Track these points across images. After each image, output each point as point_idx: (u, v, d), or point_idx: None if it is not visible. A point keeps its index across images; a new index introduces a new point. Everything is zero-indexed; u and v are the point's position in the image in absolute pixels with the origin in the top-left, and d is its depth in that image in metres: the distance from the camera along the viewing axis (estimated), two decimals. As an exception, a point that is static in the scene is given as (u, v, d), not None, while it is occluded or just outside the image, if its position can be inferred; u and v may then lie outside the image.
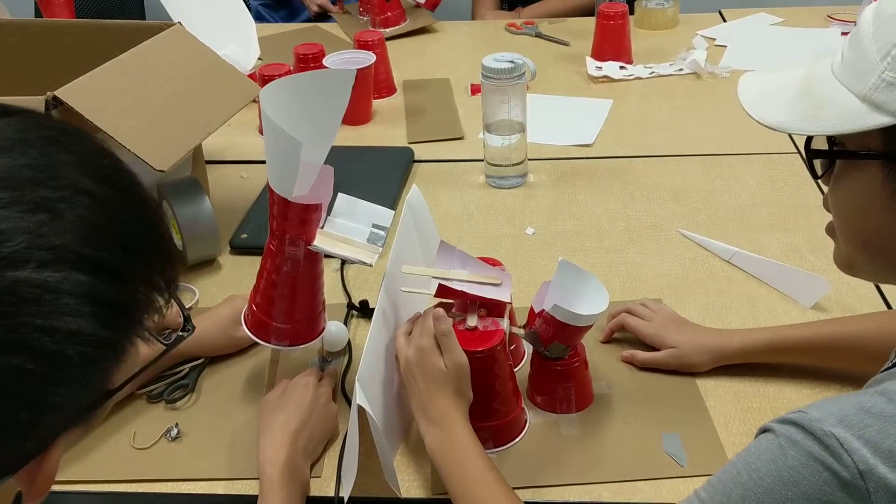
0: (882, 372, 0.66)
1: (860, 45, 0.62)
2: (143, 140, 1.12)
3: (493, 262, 1.02)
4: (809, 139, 0.67)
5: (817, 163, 0.68)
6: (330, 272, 1.26)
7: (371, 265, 0.95)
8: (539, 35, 2.14)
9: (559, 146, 1.60)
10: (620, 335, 1.10)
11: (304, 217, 0.91)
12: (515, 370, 1.05)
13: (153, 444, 0.98)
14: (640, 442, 0.94)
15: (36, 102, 1.04)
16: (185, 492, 0.93)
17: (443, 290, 0.92)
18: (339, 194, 0.99)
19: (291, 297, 0.97)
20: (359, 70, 1.66)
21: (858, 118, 0.62)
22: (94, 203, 0.50)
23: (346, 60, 1.70)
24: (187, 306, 1.20)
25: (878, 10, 0.62)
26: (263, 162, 1.57)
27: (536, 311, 0.97)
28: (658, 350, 1.04)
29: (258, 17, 2.62)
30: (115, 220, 0.51)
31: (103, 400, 0.53)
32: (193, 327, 0.61)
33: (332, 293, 1.22)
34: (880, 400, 0.59)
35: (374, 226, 0.98)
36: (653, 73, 1.87)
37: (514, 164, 1.46)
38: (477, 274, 0.96)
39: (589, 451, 0.94)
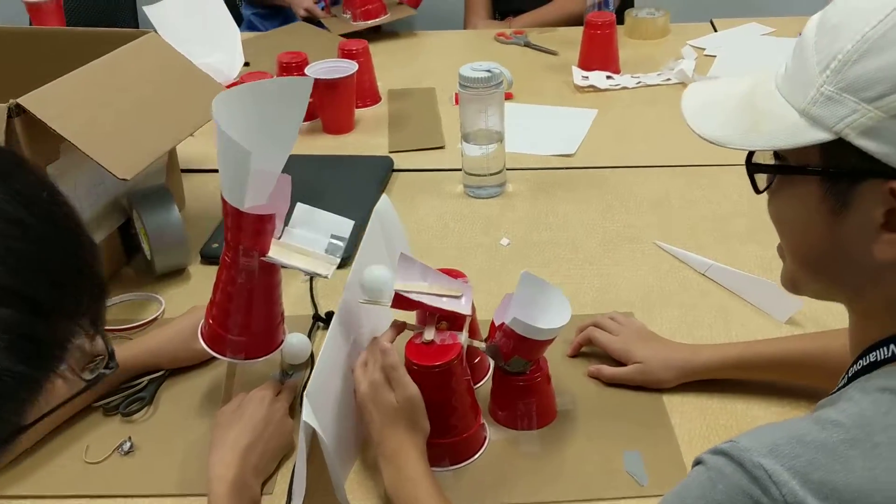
0: (831, 394, 0.64)
1: (802, 56, 0.60)
2: (108, 149, 1.10)
3: (455, 274, 1.00)
4: (751, 153, 0.65)
5: (759, 177, 0.66)
6: (299, 283, 1.24)
7: (327, 277, 0.93)
8: (528, 44, 2.12)
9: (540, 156, 1.58)
10: (588, 349, 1.07)
11: (258, 228, 0.90)
12: (479, 385, 1.03)
13: (105, 459, 0.96)
14: (602, 460, 0.92)
15: (-3, 110, 1.03)
16: (134, 508, 0.91)
17: (400, 301, 0.90)
18: (298, 204, 0.97)
19: (247, 310, 0.95)
20: (341, 79, 1.66)
21: (796, 133, 0.59)
22: (27, 235, 0.50)
23: (328, 69, 1.69)
24: (152, 316, 1.20)
25: (821, 19, 0.60)
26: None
27: (497, 324, 0.95)
28: (625, 365, 1.02)
29: (251, 27, 2.61)
30: (46, 254, 0.51)
31: (14, 436, 0.51)
32: (117, 365, 0.60)
33: (300, 304, 1.21)
34: (814, 428, 0.57)
35: (333, 237, 0.96)
36: (640, 82, 1.85)
37: (491, 174, 1.44)
38: (437, 286, 0.94)
39: (548, 469, 0.91)
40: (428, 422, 0.87)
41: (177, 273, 1.28)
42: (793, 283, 0.70)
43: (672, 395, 1.00)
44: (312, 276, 1.25)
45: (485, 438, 0.95)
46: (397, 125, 1.73)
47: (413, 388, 0.86)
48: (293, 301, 1.22)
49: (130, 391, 1.04)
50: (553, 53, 2.06)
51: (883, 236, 0.58)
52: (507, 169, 1.48)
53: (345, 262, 1.01)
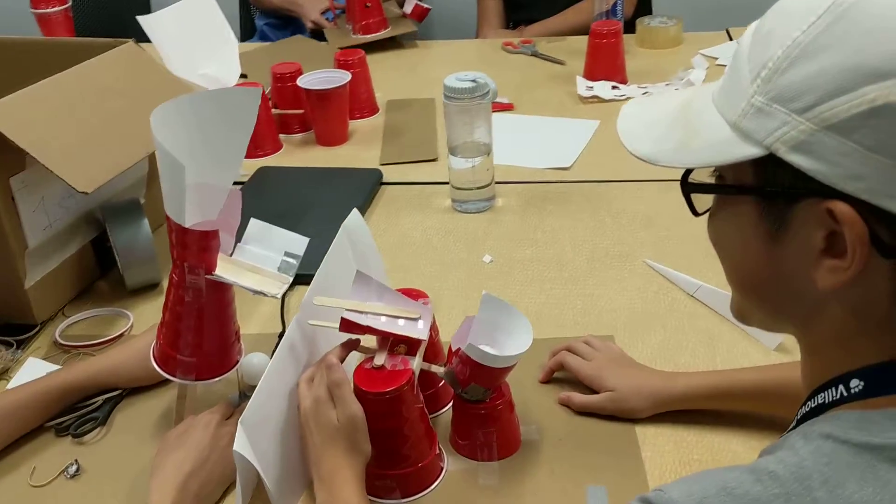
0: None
1: (736, 65, 0.55)
2: (70, 161, 1.08)
3: (416, 295, 0.95)
4: (688, 172, 0.60)
5: (699, 197, 0.61)
6: (269, 299, 1.20)
7: (276, 297, 0.89)
8: (535, 54, 2.07)
9: (534, 169, 1.52)
10: (561, 374, 1.02)
11: (202, 244, 0.86)
12: (441, 412, 0.98)
13: (50, 482, 0.93)
14: (563, 496, 0.86)
15: (-46, 121, 1.01)
16: (73, 535, 0.87)
17: (347, 325, 0.86)
18: (252, 219, 0.93)
19: (197, 329, 0.91)
20: (334, 89, 1.63)
21: (726, 149, 0.54)
22: None
23: (321, 79, 1.66)
24: (118, 332, 1.17)
25: (758, 26, 0.54)
26: (237, 183, 1.54)
27: (454, 348, 0.90)
28: (597, 392, 0.96)
29: (263, 37, 2.60)
30: None
31: None
32: None
33: (270, 323, 1.17)
34: (748, 479, 0.51)
35: (287, 254, 0.92)
36: (646, 93, 1.79)
37: (478, 188, 1.39)
38: (392, 307, 0.90)
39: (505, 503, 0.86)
40: (370, 445, 0.82)
41: (150, 288, 1.25)
42: (739, 313, 0.64)
43: (646, 425, 0.94)
44: (288, 292, 1.22)
45: (441, 469, 0.90)
46: (392, 137, 1.69)
47: (356, 408, 0.81)
48: (265, 319, 1.18)
49: (84, 411, 1.01)
50: (560, 63, 2.01)
51: (824, 263, 0.52)
52: (498, 182, 1.43)
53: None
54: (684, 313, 1.12)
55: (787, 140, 0.50)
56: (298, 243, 0.93)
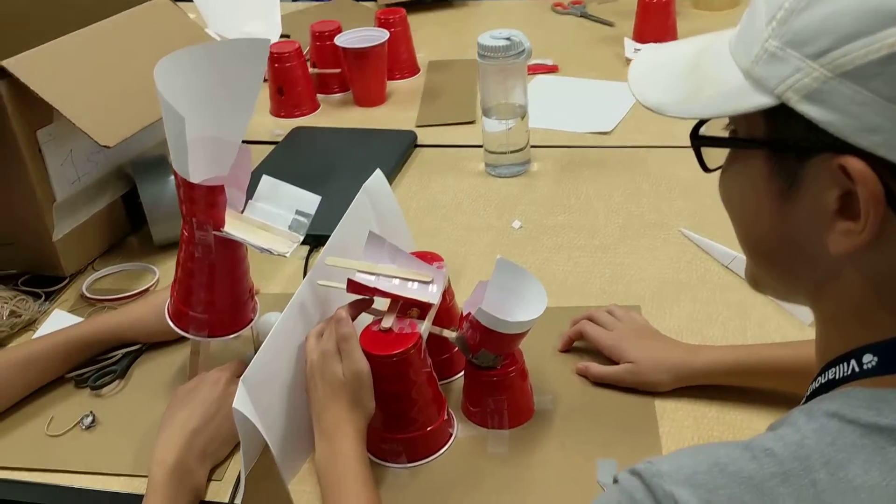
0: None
1: (754, 7, 0.50)
2: (95, 115, 1.08)
3: (431, 258, 0.93)
4: (699, 124, 0.55)
5: (709, 152, 0.56)
6: (296, 259, 1.19)
7: (285, 255, 0.87)
8: (584, 15, 2.01)
9: (573, 133, 1.47)
10: (581, 344, 0.98)
11: (210, 200, 0.85)
12: (455, 378, 0.96)
13: (65, 432, 0.94)
14: (573, 467, 0.83)
15: (-19, 72, 1.02)
16: (83, 486, 0.88)
17: (354, 286, 0.84)
18: (264, 176, 0.92)
19: (209, 286, 0.90)
20: (371, 48, 1.60)
21: (735, 98, 0.49)
22: None
23: (360, 38, 1.63)
24: (144, 287, 1.17)
25: None
26: (266, 143, 1.53)
27: (464, 313, 0.87)
28: (616, 363, 0.92)
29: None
30: None
31: None
32: None
33: (292, 282, 1.16)
34: (743, 456, 0.47)
35: (298, 212, 0.91)
36: (697, 56, 1.71)
37: (513, 152, 1.35)
38: (405, 270, 0.87)
39: (512, 474, 0.83)
40: (374, 402, 0.81)
41: (177, 244, 1.24)
42: (753, 279, 0.60)
43: (666, 399, 0.90)
44: (311, 252, 1.21)
45: (450, 435, 0.88)
46: (430, 98, 1.65)
47: (362, 363, 0.80)
48: (287, 279, 1.17)
49: (103, 364, 1.02)
50: (609, 24, 1.94)
51: (837, 225, 0.48)
52: (534, 146, 1.39)
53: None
54: (717, 285, 1.07)
55: (800, 88, 0.46)
56: (311, 201, 0.91)
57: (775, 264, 0.55)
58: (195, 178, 0.83)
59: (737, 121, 0.53)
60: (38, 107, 1.06)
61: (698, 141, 0.55)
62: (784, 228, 0.51)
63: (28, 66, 1.04)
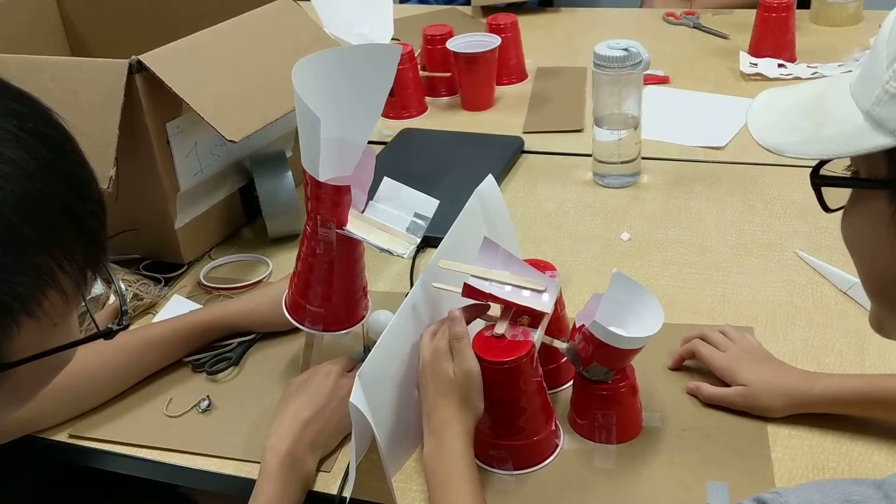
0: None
1: (875, 51, 0.50)
2: (221, 110, 1.12)
3: (545, 266, 0.93)
4: (820, 165, 0.55)
5: (829, 192, 0.55)
6: (398, 259, 1.21)
7: (404, 257, 0.89)
8: (697, 26, 1.97)
9: (685, 146, 1.45)
10: (692, 363, 0.97)
11: (335, 199, 0.87)
12: (562, 388, 0.96)
13: (183, 414, 0.98)
14: (682, 488, 0.82)
15: (120, 66, 1.07)
16: (198, 467, 0.91)
17: (469, 291, 0.85)
18: (385, 178, 0.94)
19: (327, 281, 0.93)
20: (482, 54, 1.61)
21: (856, 139, 0.49)
22: (15, 171, 0.51)
23: (470, 43, 1.64)
24: (258, 278, 1.21)
25: None
26: (375, 143, 1.56)
27: (578, 325, 0.87)
28: (728, 385, 0.91)
29: (423, 0, 2.61)
30: (27, 192, 0.52)
31: None
32: (128, 323, 0.61)
33: (399, 282, 1.18)
34: (875, 495, 0.46)
35: (416, 215, 0.92)
36: (815, 73, 1.67)
37: (623, 162, 1.34)
38: (518, 277, 0.88)
39: (618, 489, 0.83)
40: (482, 403, 0.81)
41: (290, 238, 1.29)
42: (878, 325, 0.58)
43: (779, 425, 0.88)
44: (419, 252, 1.22)
45: (556, 446, 0.88)
46: (538, 105, 1.65)
47: (473, 363, 0.81)
48: (394, 278, 1.19)
49: (219, 350, 1.06)
50: (723, 37, 1.90)
51: None
52: (644, 158, 1.38)
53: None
54: (834, 311, 1.04)
55: None
56: (429, 204, 0.92)
57: (894, 306, 0.54)
58: (323, 177, 0.85)
59: (858, 161, 0.53)
60: (169, 100, 1.11)
61: (819, 181, 0.55)
62: None
63: (162, 61, 1.09)
